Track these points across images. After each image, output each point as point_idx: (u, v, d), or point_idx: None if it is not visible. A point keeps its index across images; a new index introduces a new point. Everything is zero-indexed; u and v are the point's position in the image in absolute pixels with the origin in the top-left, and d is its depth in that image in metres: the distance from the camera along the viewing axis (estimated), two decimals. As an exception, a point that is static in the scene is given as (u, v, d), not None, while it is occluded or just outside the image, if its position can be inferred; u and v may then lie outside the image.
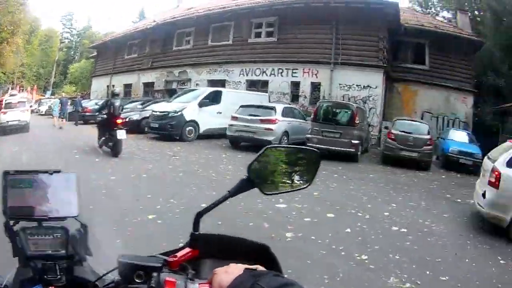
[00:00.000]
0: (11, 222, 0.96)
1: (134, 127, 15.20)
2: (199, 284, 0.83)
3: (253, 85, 19.58)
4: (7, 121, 16.26)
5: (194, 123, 14.40)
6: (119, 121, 10.29)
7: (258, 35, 20.20)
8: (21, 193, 0.97)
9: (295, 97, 18.82)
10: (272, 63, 19.14)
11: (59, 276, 0.94)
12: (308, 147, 1.14)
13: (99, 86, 30.31)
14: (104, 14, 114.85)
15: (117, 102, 10.80)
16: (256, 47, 19.98)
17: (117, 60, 28.21)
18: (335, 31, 17.91)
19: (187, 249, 0.92)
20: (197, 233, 0.94)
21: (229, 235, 1.00)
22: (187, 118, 14.18)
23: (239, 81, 19.91)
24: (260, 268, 0.75)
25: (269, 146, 1.04)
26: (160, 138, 14.31)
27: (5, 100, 18.01)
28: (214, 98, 15.11)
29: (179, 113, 14.02)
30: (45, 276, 0.93)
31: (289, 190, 1.07)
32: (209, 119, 14.57)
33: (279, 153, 1.08)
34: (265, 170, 1.02)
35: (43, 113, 27.03)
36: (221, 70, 20.63)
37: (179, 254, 0.91)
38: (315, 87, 18.48)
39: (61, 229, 0.99)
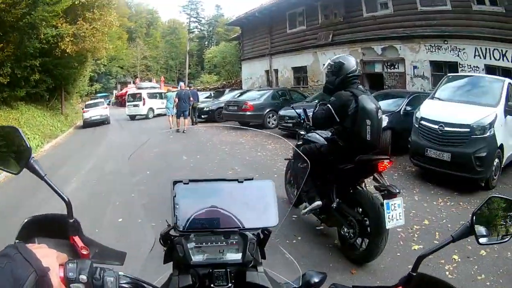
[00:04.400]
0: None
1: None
2: None
3: (491, 73, 11.92)
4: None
5: (500, 150, 6.71)
6: (384, 163, 3.70)
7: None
8: (195, 203, 0.99)
9: None
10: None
11: (230, 284, 0.92)
12: None
13: (252, 71, 24.44)
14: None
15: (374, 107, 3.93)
16: (484, 17, 12.41)
17: (275, 37, 21.91)
18: None
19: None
20: (414, 273, 0.93)
21: (444, 282, 0.94)
22: (498, 142, 6.56)
23: (476, 66, 12.68)
24: None
25: (494, 195, 1.04)
26: (432, 179, 6.86)
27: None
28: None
29: (489, 132, 6.38)
30: (212, 285, 0.92)
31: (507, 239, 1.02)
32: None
33: (504, 203, 1.03)
34: (489, 219, 1.02)
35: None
36: (446, 47, 13.41)
37: None
38: None
39: (239, 235, 0.98)
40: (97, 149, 12.85)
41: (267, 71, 22.87)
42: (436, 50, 13.79)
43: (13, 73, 13.93)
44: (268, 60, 22.45)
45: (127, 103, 24.89)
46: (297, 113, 4.97)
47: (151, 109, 23.83)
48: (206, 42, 62.47)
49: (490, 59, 12.40)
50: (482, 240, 1.00)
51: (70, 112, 26.22)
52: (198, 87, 36.07)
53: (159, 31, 64.01)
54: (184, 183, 1.01)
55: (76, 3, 15.99)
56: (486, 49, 12.40)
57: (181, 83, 18.07)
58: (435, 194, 6.05)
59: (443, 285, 0.93)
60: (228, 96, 19.74)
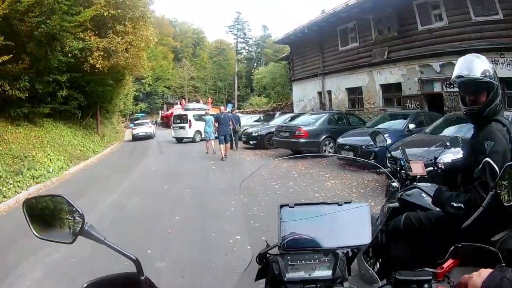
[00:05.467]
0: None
1: None
2: None
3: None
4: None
5: None
6: None
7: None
8: (298, 225, 1.09)
9: None
10: None
11: None
12: None
13: (304, 93, 22.46)
14: (279, 20, 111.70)
15: None
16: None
17: (327, 55, 19.74)
18: None
19: (451, 260, 1.03)
20: (460, 245, 1.05)
21: (485, 246, 1.06)
22: None
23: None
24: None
25: (509, 163, 1.19)
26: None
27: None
28: None
29: None
30: None
31: None
32: None
33: None
34: (509, 185, 1.16)
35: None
36: (503, 61, 11.58)
37: (445, 265, 1.01)
38: None
39: (331, 253, 1.06)
40: (126, 177, 11.15)
41: (319, 93, 20.75)
42: (494, 65, 11.06)
43: (34, 88, 12.61)
44: (320, 81, 20.33)
45: (172, 125, 24.00)
46: (392, 158, 3.16)
47: (198, 131, 21.97)
48: (255, 64, 61.22)
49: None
50: (506, 203, 1.15)
51: (109, 132, 25.50)
52: (247, 110, 34.52)
53: (206, 52, 64.02)
54: (290, 207, 1.11)
55: (105, 14, 14.63)
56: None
57: (225, 107, 16.39)
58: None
59: (483, 249, 1.05)
60: (278, 120, 18.11)
